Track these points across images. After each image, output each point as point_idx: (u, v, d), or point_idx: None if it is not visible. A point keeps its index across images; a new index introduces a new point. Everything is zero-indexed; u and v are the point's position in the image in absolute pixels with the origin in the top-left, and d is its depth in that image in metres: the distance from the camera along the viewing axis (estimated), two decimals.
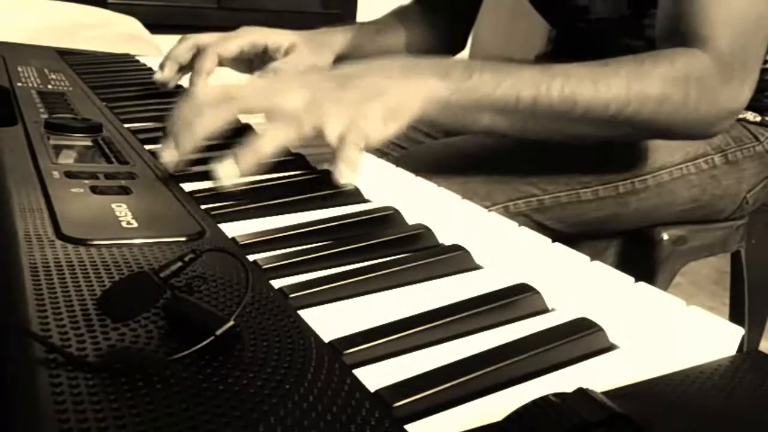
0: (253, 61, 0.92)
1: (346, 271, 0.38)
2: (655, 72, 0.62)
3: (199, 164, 0.56)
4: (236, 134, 0.68)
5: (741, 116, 0.85)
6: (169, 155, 0.53)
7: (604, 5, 0.82)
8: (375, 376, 0.28)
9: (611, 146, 0.77)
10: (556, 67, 0.63)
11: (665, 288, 0.81)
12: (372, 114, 0.56)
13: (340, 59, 0.95)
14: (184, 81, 0.92)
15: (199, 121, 0.53)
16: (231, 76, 0.94)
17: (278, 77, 0.61)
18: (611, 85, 0.61)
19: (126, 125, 0.67)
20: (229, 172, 0.50)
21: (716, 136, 0.82)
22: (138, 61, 1.12)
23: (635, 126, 0.64)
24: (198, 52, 0.88)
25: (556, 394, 0.24)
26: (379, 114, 0.56)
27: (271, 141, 0.52)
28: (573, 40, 0.95)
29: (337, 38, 0.97)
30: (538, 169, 0.75)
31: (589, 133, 0.65)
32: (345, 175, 0.52)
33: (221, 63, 0.89)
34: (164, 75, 0.88)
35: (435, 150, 0.82)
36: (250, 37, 0.90)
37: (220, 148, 0.61)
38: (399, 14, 1.05)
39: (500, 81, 0.61)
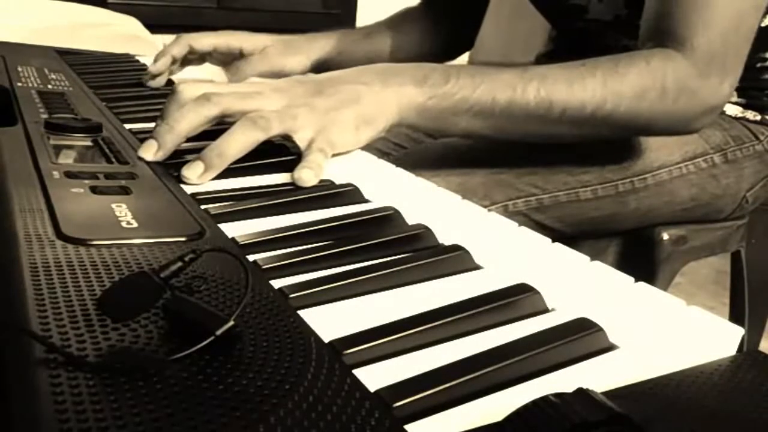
0: (225, 62, 0.97)
1: (346, 271, 0.38)
2: (631, 70, 0.64)
3: None
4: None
5: (741, 115, 0.86)
6: (150, 153, 0.55)
7: (602, 5, 0.82)
8: (375, 376, 0.28)
9: (610, 146, 0.77)
10: (533, 69, 0.64)
11: (665, 288, 0.81)
12: (343, 121, 0.58)
13: (324, 64, 0.97)
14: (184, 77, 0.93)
15: (179, 120, 0.55)
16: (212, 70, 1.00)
17: (255, 83, 0.64)
18: (587, 85, 0.63)
19: (126, 125, 0.67)
20: (196, 173, 0.52)
21: (716, 135, 0.82)
22: (138, 61, 1.12)
23: (614, 124, 0.65)
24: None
25: (556, 394, 0.24)
26: (351, 121, 0.58)
27: (236, 142, 0.53)
28: (573, 39, 0.95)
29: (318, 44, 0.99)
30: (538, 168, 0.75)
31: (567, 133, 0.66)
32: (305, 180, 0.53)
33: (193, 54, 0.95)
34: (157, 67, 0.92)
35: (435, 150, 0.82)
36: (226, 39, 0.95)
37: None
38: (402, 16, 1.05)
39: (476, 85, 0.62)
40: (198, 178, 0.52)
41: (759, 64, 0.84)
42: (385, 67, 0.64)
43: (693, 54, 0.64)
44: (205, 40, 0.94)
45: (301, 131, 0.56)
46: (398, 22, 1.04)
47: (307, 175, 0.53)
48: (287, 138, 0.57)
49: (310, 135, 0.57)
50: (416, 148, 0.90)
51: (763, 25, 0.81)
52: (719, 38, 0.64)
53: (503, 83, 0.63)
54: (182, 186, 0.51)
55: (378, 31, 1.04)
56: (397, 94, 0.61)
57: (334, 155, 0.59)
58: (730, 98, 0.68)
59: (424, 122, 0.64)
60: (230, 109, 0.56)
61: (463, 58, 1.11)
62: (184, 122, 0.55)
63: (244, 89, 0.59)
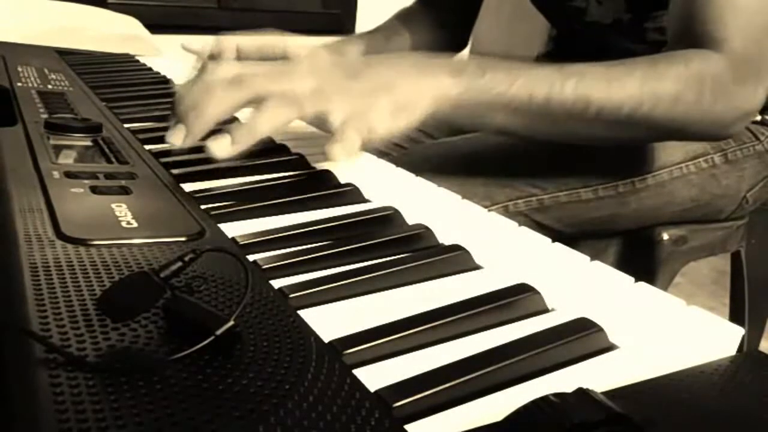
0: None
1: (346, 271, 0.38)
2: (670, 72, 0.62)
3: (200, 164, 0.56)
4: None
5: None
6: (178, 139, 0.52)
7: (601, 9, 0.82)
8: (375, 376, 0.28)
9: (611, 146, 0.77)
10: (570, 66, 0.62)
11: (665, 288, 0.81)
12: (378, 107, 0.55)
13: None
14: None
15: (209, 104, 0.52)
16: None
17: (289, 63, 0.61)
18: (625, 85, 0.61)
19: (126, 125, 0.67)
20: (222, 148, 0.50)
21: None
22: (138, 61, 1.12)
23: (650, 127, 0.63)
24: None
25: (556, 394, 0.24)
26: (386, 108, 0.56)
27: (269, 120, 0.51)
28: (573, 40, 0.95)
29: (353, 48, 0.97)
30: (538, 168, 0.75)
31: (602, 134, 0.64)
32: (337, 154, 0.51)
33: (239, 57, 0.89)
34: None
35: (435, 150, 0.82)
36: (271, 41, 0.90)
37: None
38: (402, 17, 1.05)
39: (514, 79, 0.60)
40: (224, 153, 0.50)
41: None
42: (421, 57, 0.62)
43: (731, 57, 0.62)
44: (250, 41, 0.89)
45: (335, 113, 0.54)
46: (402, 22, 1.04)
47: (338, 151, 0.51)
48: (321, 120, 0.54)
49: (345, 117, 0.54)
50: (416, 148, 0.90)
51: None
52: (754, 42, 0.63)
53: (541, 79, 0.61)
54: (182, 186, 0.51)
55: (394, 32, 1.03)
56: (432, 85, 0.59)
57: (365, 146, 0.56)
58: (763, 103, 0.66)
59: (458, 116, 0.62)
60: (263, 92, 0.53)
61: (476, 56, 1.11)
62: (214, 107, 0.52)
63: (278, 69, 0.57)
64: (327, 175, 0.55)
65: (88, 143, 0.59)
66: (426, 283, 0.38)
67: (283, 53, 0.91)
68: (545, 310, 0.36)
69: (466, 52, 1.11)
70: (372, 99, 0.56)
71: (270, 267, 0.38)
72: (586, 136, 0.65)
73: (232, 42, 0.85)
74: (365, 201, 0.51)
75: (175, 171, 0.53)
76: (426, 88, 0.58)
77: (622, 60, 0.63)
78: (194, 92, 0.53)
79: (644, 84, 0.61)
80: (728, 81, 0.62)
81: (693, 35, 0.64)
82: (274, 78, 0.54)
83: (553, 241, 0.44)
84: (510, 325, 0.34)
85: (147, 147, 0.60)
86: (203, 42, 0.91)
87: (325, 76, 0.56)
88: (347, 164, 0.57)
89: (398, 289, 0.37)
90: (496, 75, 0.60)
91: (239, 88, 0.52)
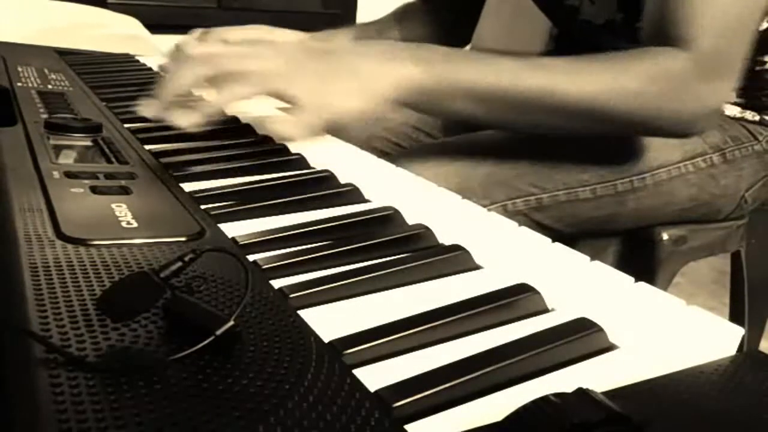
0: None
1: (346, 271, 0.38)
2: (634, 68, 0.63)
3: (200, 164, 0.56)
4: (237, 134, 0.68)
5: (740, 115, 0.86)
6: (151, 110, 0.58)
7: (594, 8, 0.82)
8: (375, 376, 0.28)
9: (610, 145, 0.77)
10: (537, 59, 0.64)
11: (665, 288, 0.81)
12: (338, 88, 0.59)
13: None
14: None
15: (175, 76, 0.57)
16: None
17: (259, 44, 0.64)
18: (590, 79, 0.62)
19: (126, 125, 0.67)
20: (185, 118, 0.56)
21: (715, 135, 0.82)
22: (138, 61, 1.12)
23: (613, 120, 0.65)
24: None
25: (556, 394, 0.24)
26: (346, 89, 0.59)
27: (231, 94, 0.56)
28: (573, 39, 0.94)
29: (341, 38, 0.98)
30: (537, 167, 0.75)
31: (565, 126, 0.66)
32: (281, 132, 0.56)
33: None
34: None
35: (433, 150, 0.82)
36: (258, 33, 0.92)
37: (220, 149, 0.61)
38: (401, 13, 1.05)
39: (478, 69, 0.62)
40: (185, 122, 0.56)
41: (758, 67, 0.84)
42: (388, 44, 0.65)
43: (698, 55, 0.63)
44: (237, 34, 0.92)
45: (295, 92, 0.57)
46: (401, 17, 1.04)
47: (288, 129, 0.56)
48: (281, 97, 0.58)
49: (304, 97, 0.57)
50: (416, 148, 0.90)
51: (762, 28, 0.81)
52: (724, 40, 0.64)
53: (506, 69, 0.62)
54: (182, 186, 0.51)
55: (387, 27, 1.03)
56: (396, 71, 0.61)
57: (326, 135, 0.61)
58: (727, 100, 0.67)
59: (422, 102, 0.64)
60: (227, 68, 0.57)
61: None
62: (180, 79, 0.57)
63: (245, 50, 0.60)
64: (327, 175, 0.55)
65: (88, 143, 0.59)
66: (426, 283, 0.38)
67: None
68: (545, 310, 0.36)
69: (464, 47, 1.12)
70: (333, 80, 0.59)
71: (270, 267, 0.38)
72: (549, 125, 0.66)
73: (217, 35, 0.87)
74: (365, 201, 0.51)
75: (175, 171, 0.53)
76: (389, 73, 0.60)
77: (589, 55, 0.64)
78: (169, 66, 0.60)
79: (608, 78, 0.63)
80: (693, 79, 0.64)
81: (663, 35, 0.65)
82: (240, 58, 0.58)
83: (553, 240, 0.44)
84: (510, 325, 0.34)
85: (147, 147, 0.60)
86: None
87: (290, 58, 0.59)
88: (346, 164, 0.58)
89: (398, 289, 0.37)
90: (461, 64, 0.62)
91: (204, 63, 0.57)
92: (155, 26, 1.41)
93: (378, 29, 1.03)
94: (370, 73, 0.60)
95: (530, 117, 0.65)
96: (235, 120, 0.73)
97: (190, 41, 0.62)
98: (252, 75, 0.57)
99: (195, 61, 0.58)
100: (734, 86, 0.68)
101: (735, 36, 0.65)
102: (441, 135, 0.95)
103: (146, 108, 0.58)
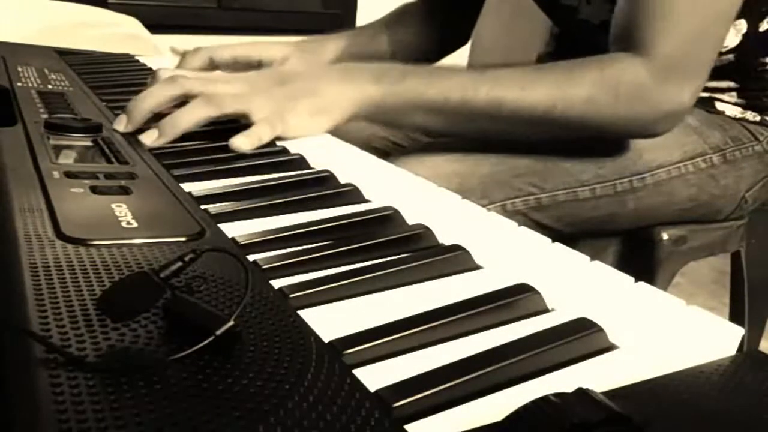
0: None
1: (346, 271, 0.38)
2: (584, 76, 0.66)
3: (200, 165, 0.56)
4: (237, 134, 0.68)
5: (740, 116, 0.86)
6: (121, 126, 0.63)
7: (590, 8, 0.82)
8: (375, 376, 0.28)
9: (609, 145, 0.77)
10: (490, 71, 0.68)
11: (665, 288, 0.81)
12: (298, 109, 0.64)
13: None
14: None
15: (145, 98, 0.63)
16: None
17: (228, 74, 0.70)
18: (538, 89, 0.66)
19: None
20: (151, 139, 0.60)
21: (715, 136, 0.82)
22: (138, 61, 1.12)
23: (567, 126, 0.68)
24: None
25: (556, 394, 0.24)
26: (306, 110, 0.64)
27: (189, 116, 0.61)
28: (572, 39, 0.95)
29: (330, 46, 1.00)
30: (537, 167, 0.75)
31: (520, 132, 0.70)
32: (237, 146, 0.60)
33: (217, 68, 0.96)
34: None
35: (432, 149, 0.82)
36: (245, 50, 0.97)
37: (220, 150, 0.61)
38: (400, 14, 1.05)
39: (431, 84, 0.67)
40: (150, 143, 0.60)
41: (759, 68, 0.84)
42: (347, 66, 0.70)
43: (652, 60, 0.65)
44: (225, 53, 0.95)
45: (255, 113, 0.62)
46: (397, 19, 1.05)
47: (241, 142, 0.60)
48: (242, 119, 0.63)
49: (261, 115, 0.62)
50: (416, 148, 0.90)
51: (762, 29, 0.81)
52: (681, 45, 0.65)
53: (457, 83, 0.67)
54: (182, 186, 0.51)
55: (382, 30, 1.04)
56: (354, 89, 0.66)
57: (283, 139, 0.64)
58: (691, 105, 0.69)
59: (381, 116, 0.69)
60: (192, 91, 0.63)
61: (464, 59, 1.11)
62: (150, 99, 0.63)
63: (211, 76, 0.67)
64: (327, 175, 0.55)
65: (88, 143, 0.59)
66: (426, 283, 0.38)
67: (258, 63, 0.96)
68: (545, 310, 0.36)
69: (466, 48, 1.12)
70: (293, 102, 0.64)
71: (270, 267, 0.38)
72: (504, 133, 0.70)
73: (206, 53, 0.91)
74: (365, 201, 0.51)
75: (175, 171, 0.53)
76: (348, 93, 0.66)
77: (540, 65, 0.69)
78: (144, 90, 0.64)
79: (557, 87, 0.66)
80: (647, 84, 0.66)
81: (624, 38, 0.68)
82: (205, 82, 0.64)
83: (553, 240, 0.44)
84: (510, 325, 0.34)
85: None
86: (199, 43, 0.94)
87: (252, 83, 0.65)
88: (346, 164, 0.58)
89: (398, 289, 0.37)
90: (415, 80, 0.67)
91: (172, 86, 0.63)
92: (155, 26, 1.41)
93: (372, 34, 1.04)
94: (330, 93, 0.66)
95: (484, 126, 0.69)
96: (234, 121, 0.73)
97: (161, 70, 0.69)
98: (214, 97, 0.62)
99: (162, 83, 0.64)
100: (698, 91, 0.69)
101: (697, 40, 0.66)
102: (440, 135, 0.95)
103: (118, 124, 0.63)
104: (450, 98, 0.67)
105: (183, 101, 0.63)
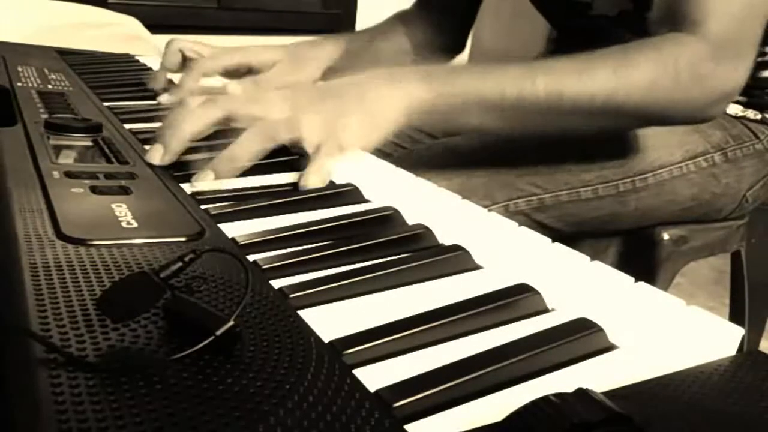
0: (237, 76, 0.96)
1: (346, 271, 0.38)
2: (642, 59, 0.62)
3: (200, 165, 0.56)
4: (237, 134, 0.68)
5: (741, 114, 0.86)
6: (157, 156, 0.55)
7: (606, 0, 0.82)
8: (375, 376, 0.28)
9: (611, 145, 0.77)
10: (541, 62, 0.63)
11: (665, 288, 0.81)
12: (350, 124, 0.57)
13: (332, 70, 0.96)
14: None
15: (184, 122, 0.55)
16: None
17: (260, 88, 0.64)
18: (596, 76, 0.62)
19: (126, 125, 0.67)
20: (206, 181, 0.52)
21: (716, 134, 0.82)
22: (138, 61, 1.12)
23: (627, 114, 0.64)
24: (185, 58, 0.92)
25: (556, 394, 0.24)
26: (357, 124, 0.58)
27: (247, 149, 0.54)
28: (573, 39, 0.94)
29: (326, 50, 0.99)
30: (539, 168, 0.75)
31: (581, 125, 0.65)
32: (311, 185, 0.53)
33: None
34: (156, 85, 0.91)
35: (435, 150, 0.82)
36: (234, 58, 0.93)
37: (221, 150, 0.61)
38: (398, 18, 1.05)
39: (484, 81, 0.62)
40: (210, 181, 0.52)
41: (759, 58, 0.84)
42: (389, 70, 0.64)
43: (707, 39, 0.62)
44: (217, 64, 0.92)
45: (309, 138, 0.56)
46: (393, 25, 1.04)
47: (313, 181, 0.53)
48: (296, 145, 0.57)
49: (318, 140, 0.56)
50: (416, 148, 0.90)
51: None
52: (734, 23, 0.63)
53: (511, 77, 0.62)
54: (182, 186, 0.51)
55: (377, 36, 1.04)
56: (403, 93, 0.60)
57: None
58: (743, 85, 0.66)
59: (434, 121, 0.64)
60: (235, 113, 0.57)
61: (464, 60, 1.11)
62: (189, 125, 0.55)
63: (249, 95, 0.60)
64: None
65: (88, 143, 0.59)
66: (426, 283, 0.38)
67: (249, 69, 0.94)
68: (545, 310, 0.36)
69: (464, 55, 1.12)
70: (342, 117, 0.58)
71: (270, 267, 0.38)
72: (565, 128, 0.66)
73: (203, 66, 0.89)
74: (365, 201, 0.51)
75: (175, 171, 0.53)
76: (397, 98, 0.60)
77: (591, 52, 0.63)
78: (173, 115, 0.57)
79: (616, 73, 0.62)
80: (704, 63, 0.63)
81: (673, 18, 0.65)
82: (246, 101, 0.58)
83: (554, 240, 0.44)
84: (510, 325, 0.34)
85: (147, 147, 0.60)
86: (200, 42, 0.93)
87: (295, 100, 0.59)
88: (346, 164, 0.58)
89: (398, 289, 0.37)
90: (466, 78, 0.62)
91: (213, 109, 0.56)
92: (155, 26, 1.41)
93: (371, 37, 1.03)
94: (378, 100, 0.59)
95: (544, 122, 0.64)
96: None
97: (191, 98, 0.63)
98: (265, 127, 0.55)
99: (200, 106, 0.57)
100: (749, 70, 0.66)
101: (746, 19, 0.64)
102: (442, 135, 0.95)
103: (154, 156, 0.55)
104: (507, 94, 0.61)
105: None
